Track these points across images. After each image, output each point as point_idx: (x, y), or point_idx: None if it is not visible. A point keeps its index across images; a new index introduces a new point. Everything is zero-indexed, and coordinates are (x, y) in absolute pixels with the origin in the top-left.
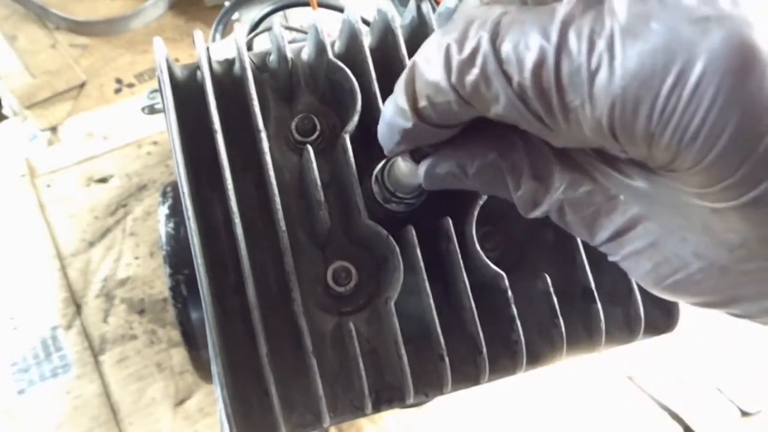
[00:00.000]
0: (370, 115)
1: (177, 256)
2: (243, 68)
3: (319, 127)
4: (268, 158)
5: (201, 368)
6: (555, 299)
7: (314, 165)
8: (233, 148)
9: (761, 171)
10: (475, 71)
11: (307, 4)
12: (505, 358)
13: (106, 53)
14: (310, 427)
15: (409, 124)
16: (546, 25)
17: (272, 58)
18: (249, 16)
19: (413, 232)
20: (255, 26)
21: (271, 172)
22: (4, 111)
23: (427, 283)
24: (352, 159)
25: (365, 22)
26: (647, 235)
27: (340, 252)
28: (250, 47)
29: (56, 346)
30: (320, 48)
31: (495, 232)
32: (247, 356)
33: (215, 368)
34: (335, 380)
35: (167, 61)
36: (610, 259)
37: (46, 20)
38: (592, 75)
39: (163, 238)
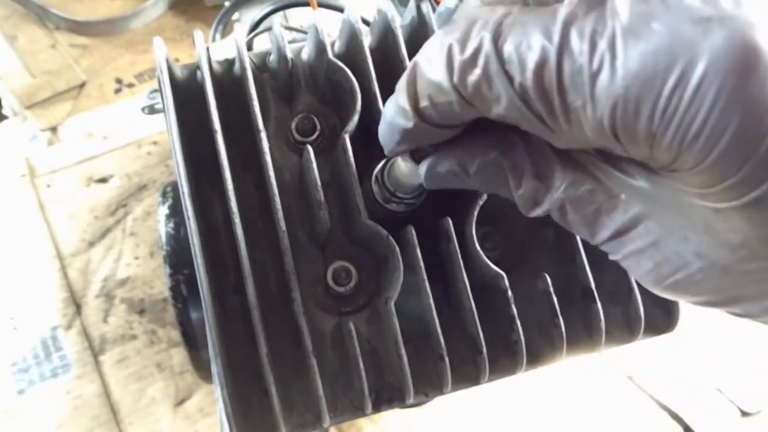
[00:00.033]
0: (370, 115)
1: (177, 256)
2: (243, 68)
3: (319, 127)
4: (268, 158)
5: (201, 368)
6: (555, 299)
7: (314, 165)
8: (233, 148)
9: (763, 171)
10: (477, 71)
11: (307, 4)
12: (505, 358)
13: (106, 53)
14: (310, 427)
15: (410, 124)
16: (548, 25)
17: (272, 58)
18: (249, 16)
19: (413, 232)
20: (255, 26)
21: (271, 172)
22: (4, 111)
23: (427, 283)
24: (352, 159)
25: (365, 22)
26: (648, 235)
27: (340, 252)
28: (250, 47)
29: (56, 346)
30: (320, 48)
31: (495, 232)
32: (247, 356)
33: (215, 368)
34: (335, 380)
35: (167, 61)
36: (611, 258)
37: (46, 20)
38: (594, 75)
39: (163, 238)
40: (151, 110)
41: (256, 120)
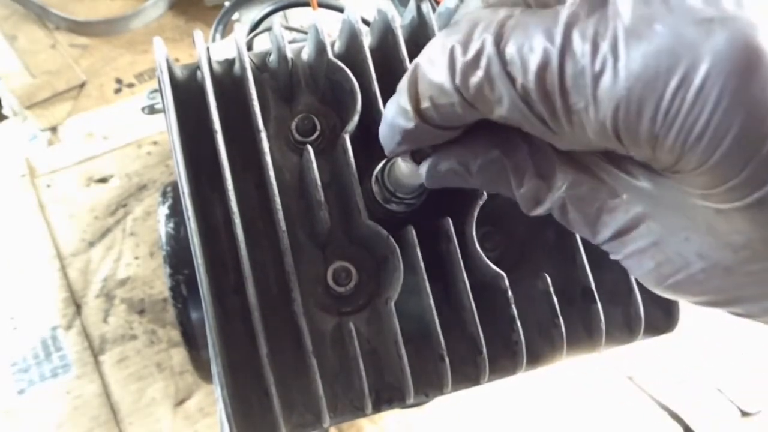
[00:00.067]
0: (370, 115)
1: (177, 256)
2: (243, 68)
3: (319, 127)
4: (268, 158)
5: (201, 368)
6: (555, 299)
7: (314, 165)
8: (233, 148)
9: (766, 172)
10: (479, 73)
11: (307, 4)
12: (505, 358)
13: (106, 53)
14: (310, 427)
15: (410, 125)
16: (550, 27)
17: (272, 58)
18: (249, 16)
19: (413, 232)
20: (255, 26)
21: (271, 172)
22: (4, 111)
23: (427, 283)
24: (352, 159)
25: (365, 22)
26: (650, 235)
27: (340, 252)
28: (250, 47)
29: (56, 346)
30: (320, 48)
31: (495, 232)
32: (247, 356)
33: (215, 368)
34: (335, 380)
35: (167, 61)
36: (612, 257)
37: (46, 20)
38: (596, 77)
39: (163, 238)
40: (151, 110)
41: (256, 120)
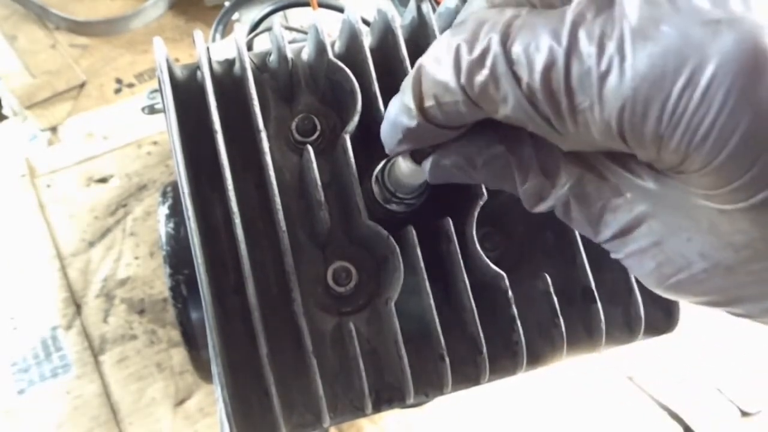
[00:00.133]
0: (371, 115)
1: (177, 256)
2: (243, 68)
3: (319, 127)
4: (268, 158)
5: (201, 368)
6: (555, 299)
7: (314, 165)
8: (233, 148)
9: None
10: (484, 72)
11: (307, 4)
12: (505, 359)
13: (106, 53)
14: (310, 427)
15: (413, 123)
16: (556, 27)
17: (272, 58)
18: (249, 16)
19: (413, 232)
20: (255, 26)
21: (272, 172)
22: (4, 111)
23: (427, 284)
24: (352, 159)
25: (365, 22)
26: (652, 234)
27: (340, 252)
28: (250, 47)
29: (56, 346)
30: (320, 48)
31: (495, 232)
32: (247, 356)
33: (215, 368)
34: (335, 380)
35: (167, 61)
36: (613, 256)
37: (46, 20)
38: (602, 77)
39: (163, 238)
40: (151, 110)
41: (256, 120)
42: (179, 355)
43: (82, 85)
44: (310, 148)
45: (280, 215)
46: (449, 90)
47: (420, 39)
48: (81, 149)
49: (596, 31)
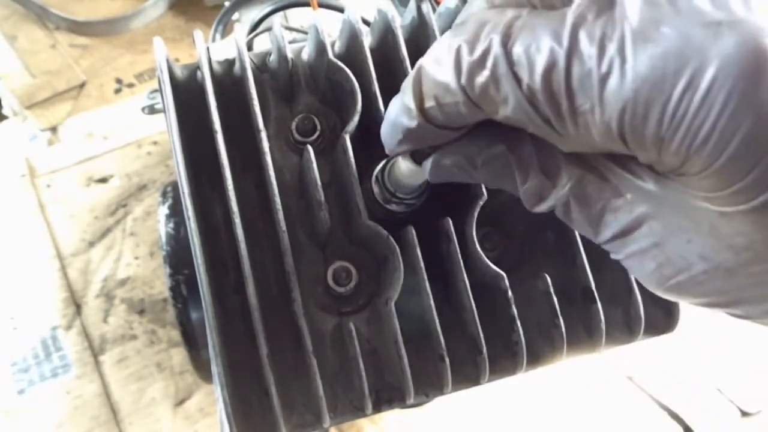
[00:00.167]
0: (371, 115)
1: (177, 256)
2: (243, 68)
3: (319, 127)
4: (268, 158)
5: (201, 368)
6: (555, 299)
7: (314, 165)
8: (233, 148)
9: None
10: (485, 73)
11: (307, 4)
12: (505, 359)
13: (106, 53)
14: (310, 427)
15: (413, 124)
16: (557, 28)
17: (272, 58)
18: (249, 16)
19: (413, 232)
20: (255, 26)
21: (272, 172)
22: (4, 111)
23: (427, 284)
24: (352, 159)
25: (365, 22)
26: (652, 235)
27: (340, 252)
28: (250, 47)
29: (56, 346)
30: (320, 48)
31: (495, 232)
32: (247, 356)
33: (215, 368)
34: (335, 380)
35: (167, 61)
36: (613, 257)
37: (46, 20)
38: (603, 79)
39: (163, 238)
40: (151, 110)
41: (256, 120)
42: (179, 355)
43: (82, 85)
44: (310, 148)
45: (280, 215)
46: (450, 91)
47: (420, 39)
48: (81, 149)
49: (597, 32)
